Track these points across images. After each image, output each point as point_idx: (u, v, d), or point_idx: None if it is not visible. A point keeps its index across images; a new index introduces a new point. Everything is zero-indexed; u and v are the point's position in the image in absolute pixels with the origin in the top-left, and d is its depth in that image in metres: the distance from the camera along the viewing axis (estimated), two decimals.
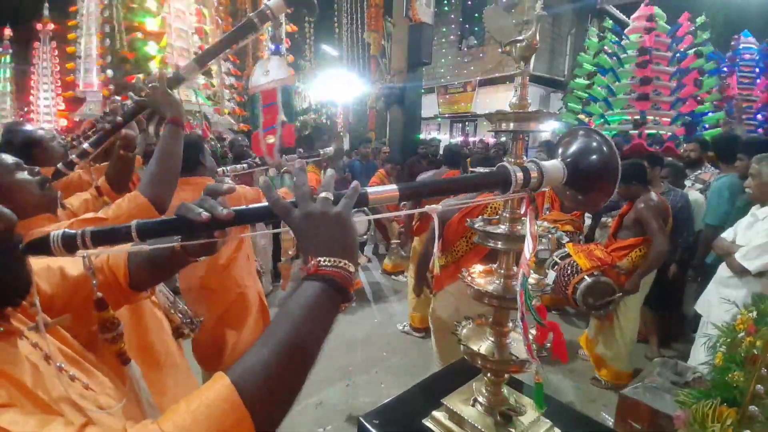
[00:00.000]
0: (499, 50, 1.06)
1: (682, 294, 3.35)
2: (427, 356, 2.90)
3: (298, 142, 6.35)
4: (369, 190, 0.70)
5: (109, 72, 6.21)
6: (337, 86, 11.89)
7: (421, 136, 9.69)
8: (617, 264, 2.76)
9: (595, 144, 0.93)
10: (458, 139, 13.37)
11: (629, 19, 6.73)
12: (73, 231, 0.58)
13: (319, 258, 0.59)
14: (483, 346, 1.12)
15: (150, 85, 1.35)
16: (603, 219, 3.65)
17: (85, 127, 1.80)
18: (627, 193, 2.87)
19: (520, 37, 0.99)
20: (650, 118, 5.66)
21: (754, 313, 1.34)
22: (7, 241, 0.55)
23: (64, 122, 9.79)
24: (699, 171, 3.84)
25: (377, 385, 2.95)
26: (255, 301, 2.08)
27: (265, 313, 2.12)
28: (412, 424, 1.23)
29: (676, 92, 5.99)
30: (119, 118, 1.43)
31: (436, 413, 1.22)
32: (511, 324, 1.15)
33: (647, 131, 5.61)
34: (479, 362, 1.11)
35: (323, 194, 0.63)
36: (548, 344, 1.04)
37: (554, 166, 0.92)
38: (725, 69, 7.27)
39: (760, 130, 6.65)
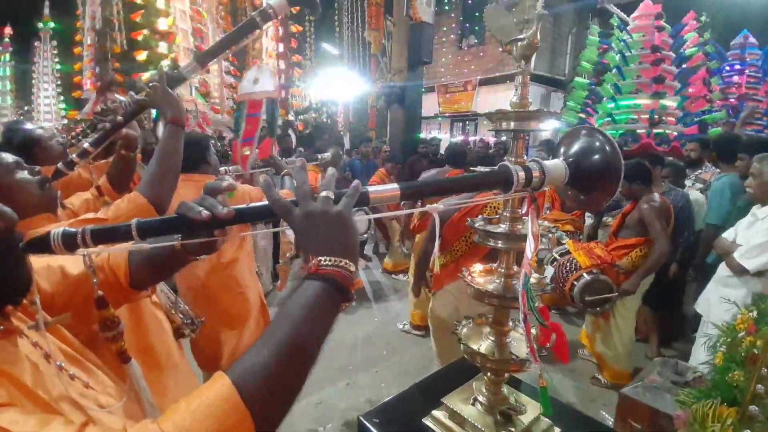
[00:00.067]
0: (500, 49, 1.07)
1: (683, 294, 3.35)
2: (428, 356, 2.90)
3: (298, 142, 6.36)
4: (370, 189, 0.70)
5: (97, 68, 6.23)
6: (338, 85, 11.87)
7: (422, 135, 9.69)
8: (617, 263, 2.76)
9: (597, 143, 0.93)
10: (459, 138, 13.36)
11: (629, 18, 6.69)
12: (73, 229, 0.58)
13: (320, 257, 0.58)
14: (483, 345, 1.12)
15: (150, 84, 1.35)
16: (604, 219, 3.65)
17: (86, 119, 1.79)
18: (630, 193, 2.87)
19: (521, 36, 0.99)
20: (656, 117, 5.62)
21: (755, 313, 1.34)
22: (7, 239, 0.55)
23: (65, 122, 9.80)
24: (699, 171, 3.84)
25: (377, 384, 2.94)
26: (255, 302, 2.06)
27: (265, 313, 2.11)
28: (412, 423, 1.23)
29: (680, 91, 5.97)
30: (120, 118, 1.42)
31: (436, 412, 1.22)
32: (511, 323, 1.15)
33: (655, 130, 5.57)
34: (479, 361, 1.11)
35: (324, 193, 0.63)
36: (549, 344, 1.04)
37: (556, 165, 0.91)
38: (731, 68, 7.25)
39: (767, 131, 6.61)
